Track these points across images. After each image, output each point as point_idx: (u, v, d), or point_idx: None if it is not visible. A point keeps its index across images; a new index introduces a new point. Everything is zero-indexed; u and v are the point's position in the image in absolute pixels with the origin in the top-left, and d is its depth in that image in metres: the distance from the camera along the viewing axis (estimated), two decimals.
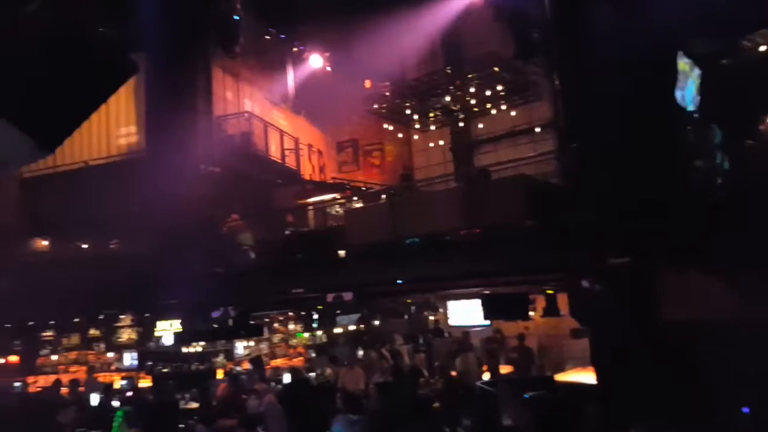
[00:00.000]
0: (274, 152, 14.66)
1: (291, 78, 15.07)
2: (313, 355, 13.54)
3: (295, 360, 13.43)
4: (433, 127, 14.48)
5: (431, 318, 13.26)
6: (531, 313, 9.14)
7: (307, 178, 15.65)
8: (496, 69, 12.37)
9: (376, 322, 12.38)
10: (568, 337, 10.88)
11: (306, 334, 13.35)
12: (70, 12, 2.93)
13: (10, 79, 2.65)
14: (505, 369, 11.30)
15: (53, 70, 2.75)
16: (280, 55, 14.77)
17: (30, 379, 13.46)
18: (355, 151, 16.43)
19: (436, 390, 9.24)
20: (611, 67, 7.20)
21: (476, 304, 11.16)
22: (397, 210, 9.73)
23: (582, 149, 8.11)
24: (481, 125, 14.28)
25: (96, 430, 8.66)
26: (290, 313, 13.77)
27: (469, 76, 12.78)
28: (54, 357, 13.78)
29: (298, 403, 8.73)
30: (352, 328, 12.54)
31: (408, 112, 14.01)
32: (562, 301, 8.78)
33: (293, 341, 14.06)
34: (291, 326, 14.10)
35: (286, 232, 12.16)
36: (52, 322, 14.20)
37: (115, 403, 10.16)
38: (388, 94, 13.75)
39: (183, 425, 9.13)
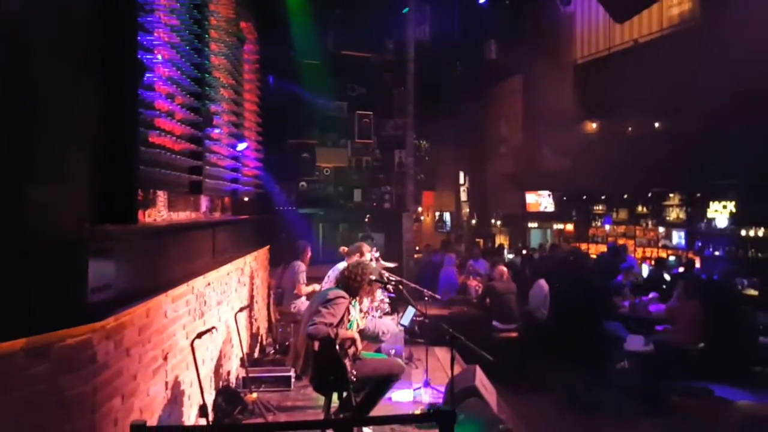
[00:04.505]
0: None
1: None
2: None
3: None
4: None
5: None
6: None
7: None
8: None
9: None
10: None
11: None
12: None
13: None
14: None
15: None
16: None
17: (582, 246, 15.42)
18: None
19: None
20: None
21: None
22: None
23: None
24: None
25: (650, 292, 9.25)
26: None
27: None
28: (607, 227, 15.13)
29: None
30: None
31: None
32: None
33: None
34: None
35: None
36: (603, 197, 15.55)
37: (666, 277, 10.45)
38: None
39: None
